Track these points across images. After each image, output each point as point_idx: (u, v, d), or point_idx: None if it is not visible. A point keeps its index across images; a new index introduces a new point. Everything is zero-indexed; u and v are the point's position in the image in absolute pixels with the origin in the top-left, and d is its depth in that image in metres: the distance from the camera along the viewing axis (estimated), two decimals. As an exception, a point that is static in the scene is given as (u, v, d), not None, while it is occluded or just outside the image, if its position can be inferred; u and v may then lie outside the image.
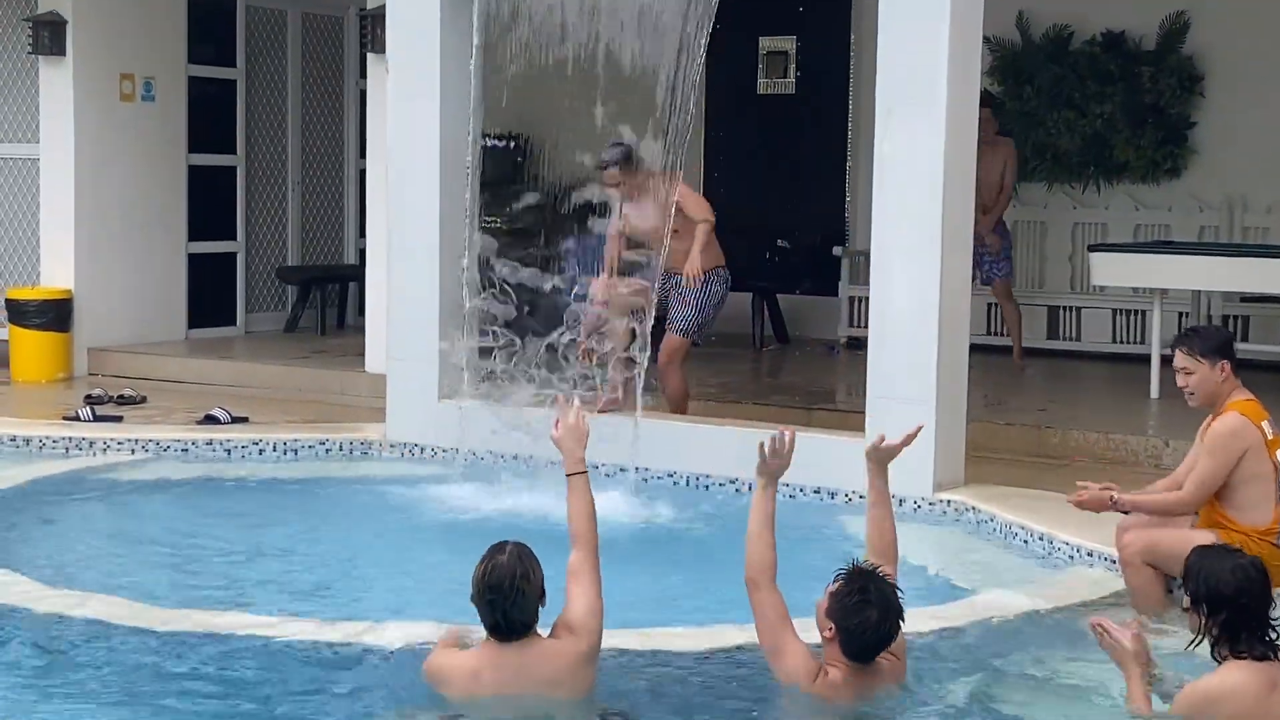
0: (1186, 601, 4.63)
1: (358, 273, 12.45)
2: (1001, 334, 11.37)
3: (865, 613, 4.56)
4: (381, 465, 8.60)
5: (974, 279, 11.08)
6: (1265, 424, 5.74)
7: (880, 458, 5.09)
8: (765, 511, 4.84)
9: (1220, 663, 4.56)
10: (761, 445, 4.91)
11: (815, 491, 7.53)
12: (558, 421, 5.03)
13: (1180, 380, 5.82)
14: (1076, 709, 4.98)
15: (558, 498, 7.53)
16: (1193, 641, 4.64)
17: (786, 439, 4.91)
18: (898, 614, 4.62)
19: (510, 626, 4.57)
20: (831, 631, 4.64)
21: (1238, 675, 4.49)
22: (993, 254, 10.99)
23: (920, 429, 5.22)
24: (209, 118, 12.36)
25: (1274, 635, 4.54)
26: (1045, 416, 8.98)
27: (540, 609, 4.64)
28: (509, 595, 4.53)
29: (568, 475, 4.96)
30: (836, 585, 4.63)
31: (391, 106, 8.96)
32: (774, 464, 4.91)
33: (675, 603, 6.20)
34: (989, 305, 11.28)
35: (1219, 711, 4.48)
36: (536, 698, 4.59)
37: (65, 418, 9.31)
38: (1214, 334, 5.95)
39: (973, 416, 7.95)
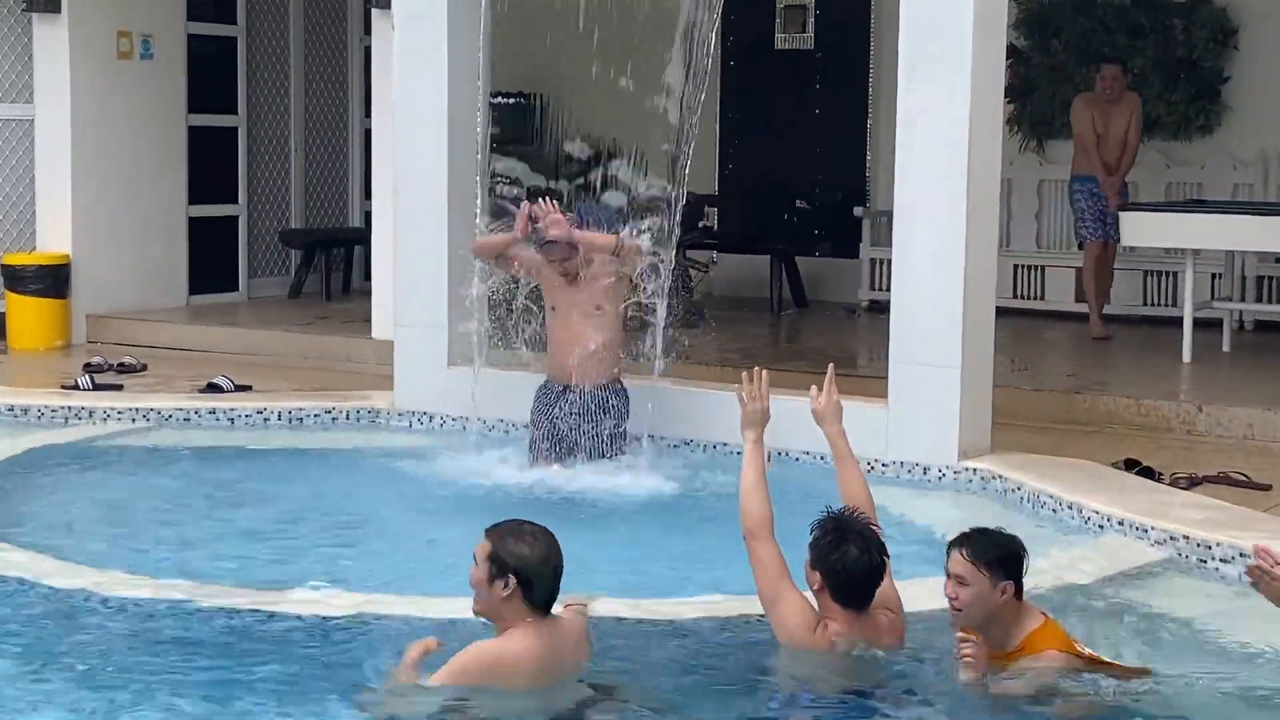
0: None
1: (363, 236, 12.38)
2: (1030, 297, 11.15)
3: (843, 548, 4.63)
4: (390, 434, 8.53)
5: (1094, 238, 10.83)
6: (1078, 646, 4.72)
7: (824, 415, 5.19)
8: (758, 464, 4.91)
9: None
10: (739, 393, 5.04)
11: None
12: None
13: (950, 589, 4.64)
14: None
15: (566, 467, 7.49)
16: None
17: (757, 381, 5.00)
18: (878, 547, 4.67)
19: (553, 602, 4.59)
20: (819, 581, 4.69)
21: None
22: (1114, 214, 10.74)
23: (832, 366, 5.26)
24: (209, 77, 12.28)
25: None
26: (1075, 381, 8.95)
27: None
28: (561, 570, 4.55)
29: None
30: (814, 535, 4.72)
31: (397, 64, 8.83)
32: (753, 408, 5.02)
33: (687, 569, 6.15)
34: (1014, 267, 11.04)
35: None
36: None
37: (64, 386, 9.24)
38: (1003, 543, 4.69)
39: (999, 382, 7.87)
